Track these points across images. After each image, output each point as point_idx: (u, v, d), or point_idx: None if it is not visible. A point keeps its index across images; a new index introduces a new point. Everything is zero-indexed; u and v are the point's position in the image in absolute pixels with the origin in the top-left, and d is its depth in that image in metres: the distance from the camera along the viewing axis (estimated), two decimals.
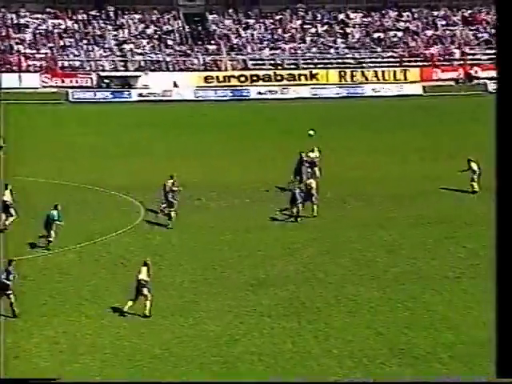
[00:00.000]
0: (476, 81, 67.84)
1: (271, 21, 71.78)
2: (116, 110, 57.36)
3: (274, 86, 65.55)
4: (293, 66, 68.47)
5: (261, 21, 71.63)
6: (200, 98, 63.25)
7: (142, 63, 66.30)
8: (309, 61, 69.11)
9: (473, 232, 30.69)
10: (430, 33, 72.30)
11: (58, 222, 29.21)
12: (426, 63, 69.01)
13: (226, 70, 67.09)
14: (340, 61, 69.26)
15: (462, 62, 68.92)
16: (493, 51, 70.61)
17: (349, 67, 68.38)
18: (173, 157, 43.11)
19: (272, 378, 19.97)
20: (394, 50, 70.28)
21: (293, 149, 45.38)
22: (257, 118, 56.38)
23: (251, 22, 71.28)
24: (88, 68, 65.11)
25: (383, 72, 67.83)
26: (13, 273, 23.63)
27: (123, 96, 61.94)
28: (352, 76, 67.48)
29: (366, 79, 67.35)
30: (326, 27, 71.77)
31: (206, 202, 35.34)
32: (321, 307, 24.21)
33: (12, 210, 30.82)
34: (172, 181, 32.63)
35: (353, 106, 60.97)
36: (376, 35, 71.45)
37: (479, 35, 72.33)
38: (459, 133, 49.50)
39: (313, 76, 67.18)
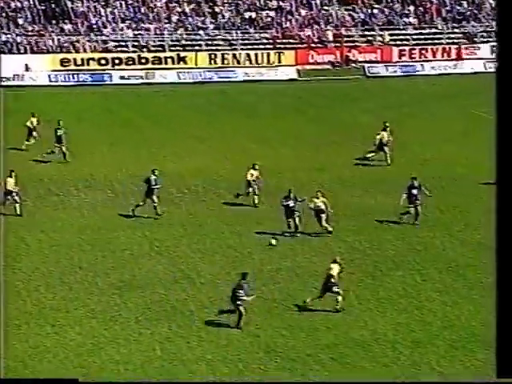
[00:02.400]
0: (353, 64, 69.38)
1: None
2: None
3: (138, 69, 65.09)
4: (159, 49, 68.15)
5: None
6: (55, 83, 62.10)
7: None
8: (176, 42, 68.94)
9: (353, 225, 31.37)
10: (304, 13, 73.39)
11: (157, 186, 31.85)
12: (301, 45, 70.03)
13: (84, 52, 66.08)
14: (210, 43, 69.40)
15: (338, 45, 70.29)
16: (370, 32, 72.42)
17: (219, 49, 68.65)
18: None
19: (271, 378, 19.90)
20: (267, 31, 70.99)
21: (161, 138, 45.22)
22: (119, 104, 55.82)
23: None
24: None
25: (256, 55, 68.42)
26: (249, 285, 23.26)
27: None
28: (223, 59, 67.77)
29: (238, 62, 67.76)
30: (193, 6, 71.73)
31: (64, 198, 34.75)
32: (193, 310, 24.24)
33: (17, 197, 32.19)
34: (253, 171, 33.52)
35: (224, 91, 61.23)
36: (247, 15, 71.95)
37: (355, 16, 73.94)
38: (337, 119, 50.48)
39: (180, 59, 67.06)
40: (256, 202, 33.41)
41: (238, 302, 22.89)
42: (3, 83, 60.03)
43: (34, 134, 42.01)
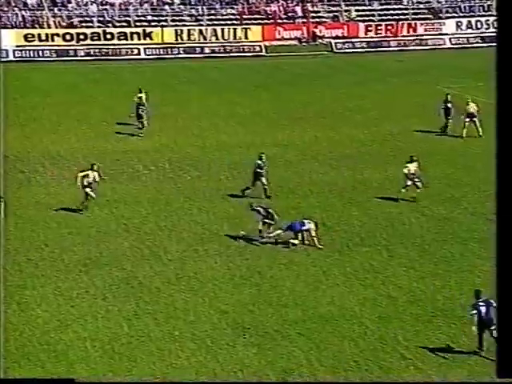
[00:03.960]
0: (320, 40, 69.33)
1: None
2: None
3: (104, 45, 64.56)
4: (124, 24, 67.61)
5: None
6: (20, 59, 61.48)
7: None
8: (142, 18, 68.43)
9: (320, 201, 31.44)
10: None
11: (262, 171, 31.29)
12: (267, 21, 69.82)
13: (48, 27, 65.40)
14: (176, 18, 68.96)
15: (305, 21, 70.15)
16: (336, 8, 72.32)
17: (185, 25, 68.25)
18: None
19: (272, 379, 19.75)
20: (234, 6, 70.65)
21: (127, 115, 44.94)
22: (84, 80, 55.38)
23: None
24: None
25: (222, 30, 68.12)
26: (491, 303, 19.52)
27: None
28: (189, 35, 67.41)
29: (205, 38, 67.44)
30: None
31: (30, 175, 34.48)
32: (160, 287, 24.21)
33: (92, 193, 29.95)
34: (410, 165, 31.29)
35: (191, 67, 60.97)
36: None
37: None
38: (304, 95, 50.44)
39: (146, 35, 66.62)
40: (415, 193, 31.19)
41: (493, 328, 19.58)
42: None
43: (141, 108, 41.27)
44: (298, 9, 71.01)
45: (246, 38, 68.20)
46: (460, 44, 69.96)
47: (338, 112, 46.05)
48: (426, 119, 43.42)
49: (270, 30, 68.98)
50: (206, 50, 65.97)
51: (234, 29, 68.38)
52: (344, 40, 69.36)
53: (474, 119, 39.52)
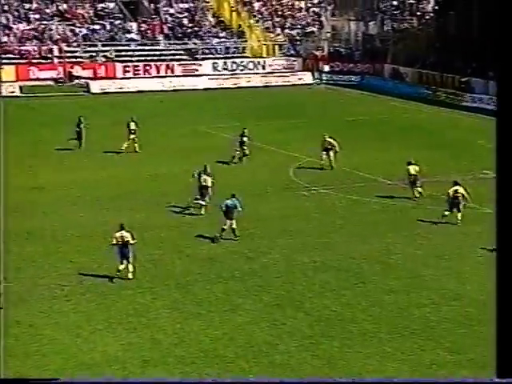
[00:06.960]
0: (77, 80, 68.80)
1: None
2: None
3: None
4: None
5: None
6: None
7: None
8: None
9: (80, 246, 30.93)
10: (23, 27, 71.87)
11: (239, 209, 31.39)
12: (21, 61, 68.48)
13: None
14: None
15: (61, 60, 69.38)
16: (93, 48, 72.15)
17: None
18: None
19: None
20: None
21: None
22: None
23: None
24: None
25: None
26: None
27: None
28: None
29: None
30: None
31: None
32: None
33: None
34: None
35: None
36: None
37: (77, 31, 73.41)
38: (60, 137, 49.71)
39: None
40: None
41: None
42: None
43: (132, 136, 44.99)
44: (55, 48, 70.16)
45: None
46: (216, 84, 71.71)
47: (96, 154, 45.73)
48: (185, 160, 44.00)
49: (23, 69, 67.64)
50: None
51: None
52: (101, 80, 69.18)
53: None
